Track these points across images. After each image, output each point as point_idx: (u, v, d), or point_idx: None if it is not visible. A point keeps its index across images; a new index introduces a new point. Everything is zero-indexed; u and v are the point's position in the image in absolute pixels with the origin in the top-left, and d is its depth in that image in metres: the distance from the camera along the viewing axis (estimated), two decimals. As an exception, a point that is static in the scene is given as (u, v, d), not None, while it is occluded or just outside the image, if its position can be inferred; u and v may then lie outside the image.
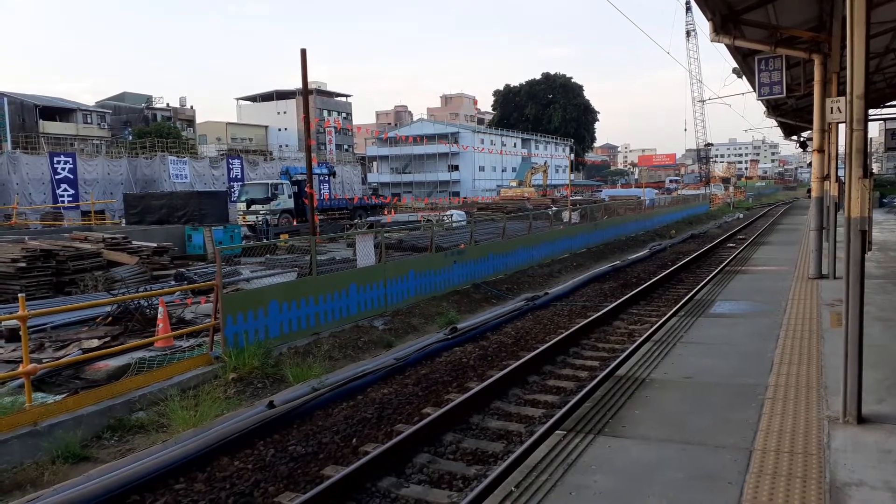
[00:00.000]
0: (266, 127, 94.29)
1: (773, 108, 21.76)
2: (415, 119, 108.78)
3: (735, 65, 15.98)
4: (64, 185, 38.84)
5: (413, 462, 6.24)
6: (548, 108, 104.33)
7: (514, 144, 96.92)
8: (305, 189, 18.77)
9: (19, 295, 7.60)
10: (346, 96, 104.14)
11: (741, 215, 48.49)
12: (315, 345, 10.44)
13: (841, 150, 13.21)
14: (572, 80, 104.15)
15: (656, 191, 63.83)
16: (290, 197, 33.11)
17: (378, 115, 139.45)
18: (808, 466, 4.44)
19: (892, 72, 18.90)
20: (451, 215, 30.68)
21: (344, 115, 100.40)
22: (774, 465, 4.48)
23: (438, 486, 5.82)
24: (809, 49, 11.89)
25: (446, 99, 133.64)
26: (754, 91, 13.02)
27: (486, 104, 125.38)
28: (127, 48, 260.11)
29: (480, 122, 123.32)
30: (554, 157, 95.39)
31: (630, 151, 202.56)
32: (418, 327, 12.34)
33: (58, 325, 10.85)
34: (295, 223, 31.25)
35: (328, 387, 8.11)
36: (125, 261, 15.56)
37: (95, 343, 9.56)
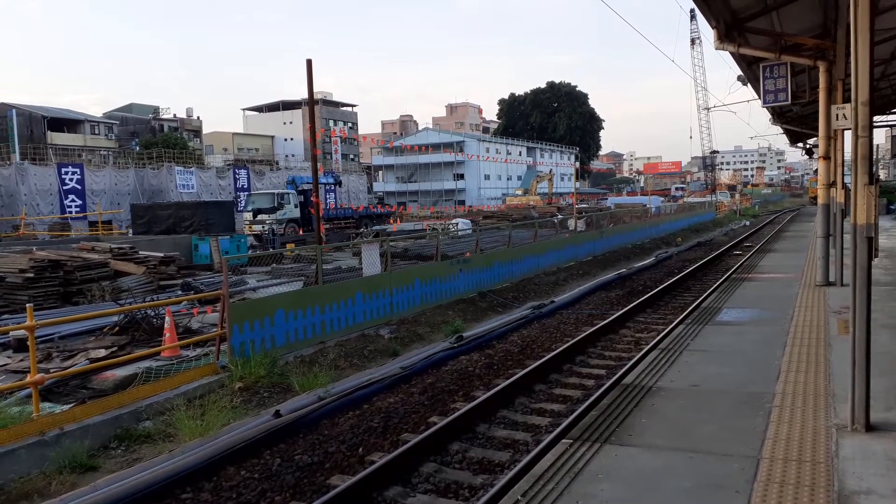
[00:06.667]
0: (272, 137, 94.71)
1: (779, 116, 21.72)
2: (420, 128, 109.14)
3: (740, 72, 15.99)
4: (71, 196, 39.06)
5: (419, 471, 6.23)
6: (553, 117, 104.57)
7: (520, 153, 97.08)
8: (311, 198, 18.83)
9: (27, 305, 7.64)
10: (352, 106, 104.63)
11: (748, 223, 48.33)
12: (321, 353, 10.45)
13: (847, 156, 13.19)
14: (577, 89, 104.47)
15: (662, 198, 63.69)
16: (296, 206, 33.23)
17: (383, 124, 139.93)
18: (817, 475, 4.42)
19: (898, 78, 18.85)
20: (457, 224, 30.69)
21: (349, 124, 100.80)
22: (782, 474, 4.45)
23: (445, 495, 5.81)
24: (814, 56, 11.89)
25: (451, 108, 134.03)
26: (759, 98, 13.01)
27: (491, 113, 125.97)
28: (134, 60, 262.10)
29: (486, 130, 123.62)
30: (559, 165, 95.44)
31: (635, 159, 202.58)
32: (424, 336, 12.34)
33: (65, 335, 10.89)
34: (301, 232, 31.35)
35: (334, 396, 8.11)
36: (132, 271, 15.63)
37: (102, 353, 9.59)
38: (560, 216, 30.16)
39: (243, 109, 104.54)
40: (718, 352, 7.98)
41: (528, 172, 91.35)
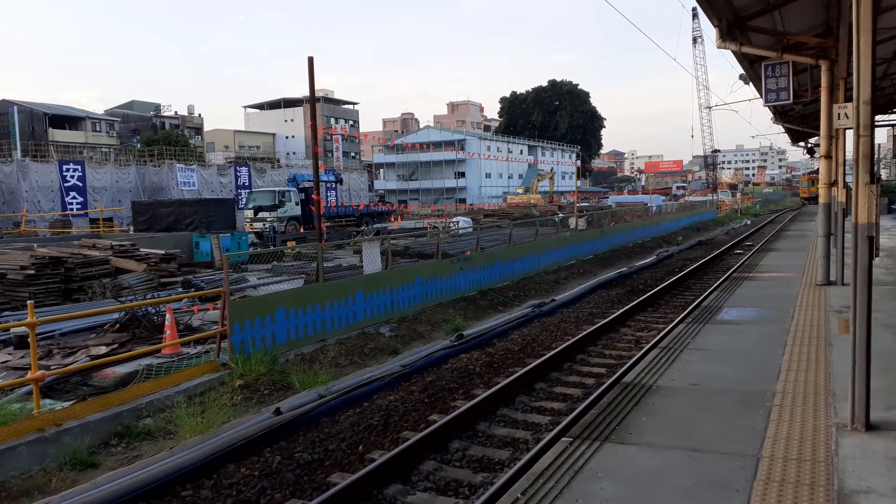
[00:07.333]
0: (273, 134, 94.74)
1: (781, 115, 21.70)
2: (421, 126, 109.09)
3: (742, 71, 15.95)
4: (73, 193, 39.09)
5: (419, 469, 6.24)
6: (554, 115, 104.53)
7: (521, 151, 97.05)
8: (312, 196, 18.83)
9: (28, 302, 7.65)
10: (353, 104, 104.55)
11: (749, 221, 48.30)
12: (321, 351, 10.46)
13: (849, 155, 13.18)
14: (578, 87, 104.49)
15: (663, 197, 63.66)
16: (297, 204, 33.22)
17: (385, 122, 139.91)
18: (816, 474, 4.42)
19: (900, 77, 18.81)
20: (458, 222, 30.66)
21: (351, 122, 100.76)
22: (782, 473, 4.46)
23: (445, 493, 5.81)
24: (816, 55, 11.87)
25: (453, 106, 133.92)
26: (761, 97, 12.98)
27: (492, 111, 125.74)
28: (135, 58, 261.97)
29: (487, 129, 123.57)
30: (560, 163, 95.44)
31: (637, 158, 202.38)
32: (424, 334, 12.34)
33: (66, 332, 10.91)
34: (302, 230, 31.34)
35: (334, 394, 8.12)
36: (133, 268, 15.64)
37: (103, 350, 9.60)
38: (561, 215, 30.12)
39: (245, 107, 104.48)
40: (719, 351, 7.98)
41: (529, 171, 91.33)
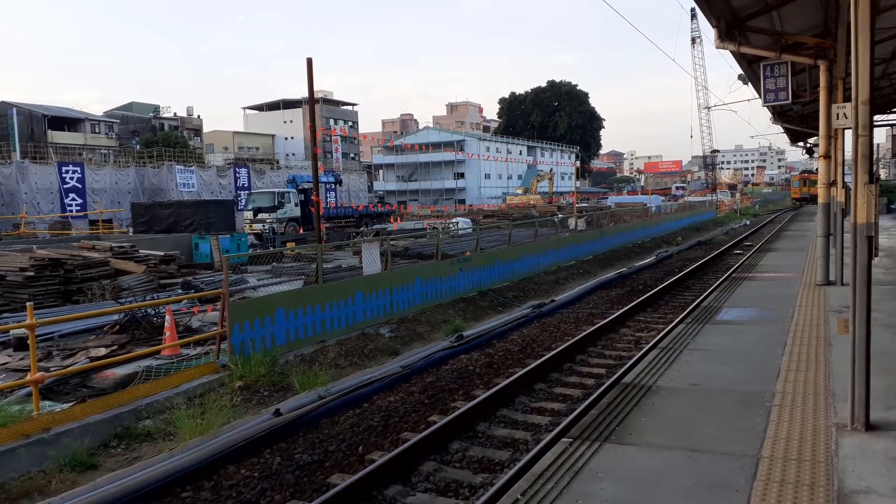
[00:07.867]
0: (272, 136, 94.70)
1: (779, 115, 21.72)
2: (420, 127, 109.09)
3: (740, 71, 15.98)
4: (72, 195, 39.06)
5: (419, 470, 6.23)
6: (553, 116, 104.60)
7: (520, 152, 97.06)
8: (312, 197, 18.84)
9: (27, 304, 7.65)
10: (352, 105, 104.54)
11: (748, 222, 48.30)
12: (321, 352, 10.45)
13: (847, 155, 13.18)
14: (578, 88, 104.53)
15: (662, 197, 63.68)
16: (296, 205, 33.24)
17: (384, 123, 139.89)
18: (816, 474, 4.42)
19: (899, 77, 18.82)
20: (457, 223, 30.64)
21: (350, 123, 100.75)
22: (782, 473, 4.46)
23: (445, 494, 5.81)
24: (815, 55, 11.88)
25: (452, 107, 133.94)
26: (760, 97, 12.99)
27: (491, 112, 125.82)
28: (135, 58, 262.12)
29: (486, 129, 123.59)
30: (560, 164, 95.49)
31: (636, 158, 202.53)
32: (424, 335, 12.34)
33: (65, 334, 10.89)
34: (301, 231, 31.35)
35: (334, 395, 8.12)
36: (132, 269, 15.63)
37: (103, 351, 9.60)
38: (560, 215, 30.12)
39: (244, 108, 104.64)
40: (718, 351, 7.98)
41: (528, 171, 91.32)
